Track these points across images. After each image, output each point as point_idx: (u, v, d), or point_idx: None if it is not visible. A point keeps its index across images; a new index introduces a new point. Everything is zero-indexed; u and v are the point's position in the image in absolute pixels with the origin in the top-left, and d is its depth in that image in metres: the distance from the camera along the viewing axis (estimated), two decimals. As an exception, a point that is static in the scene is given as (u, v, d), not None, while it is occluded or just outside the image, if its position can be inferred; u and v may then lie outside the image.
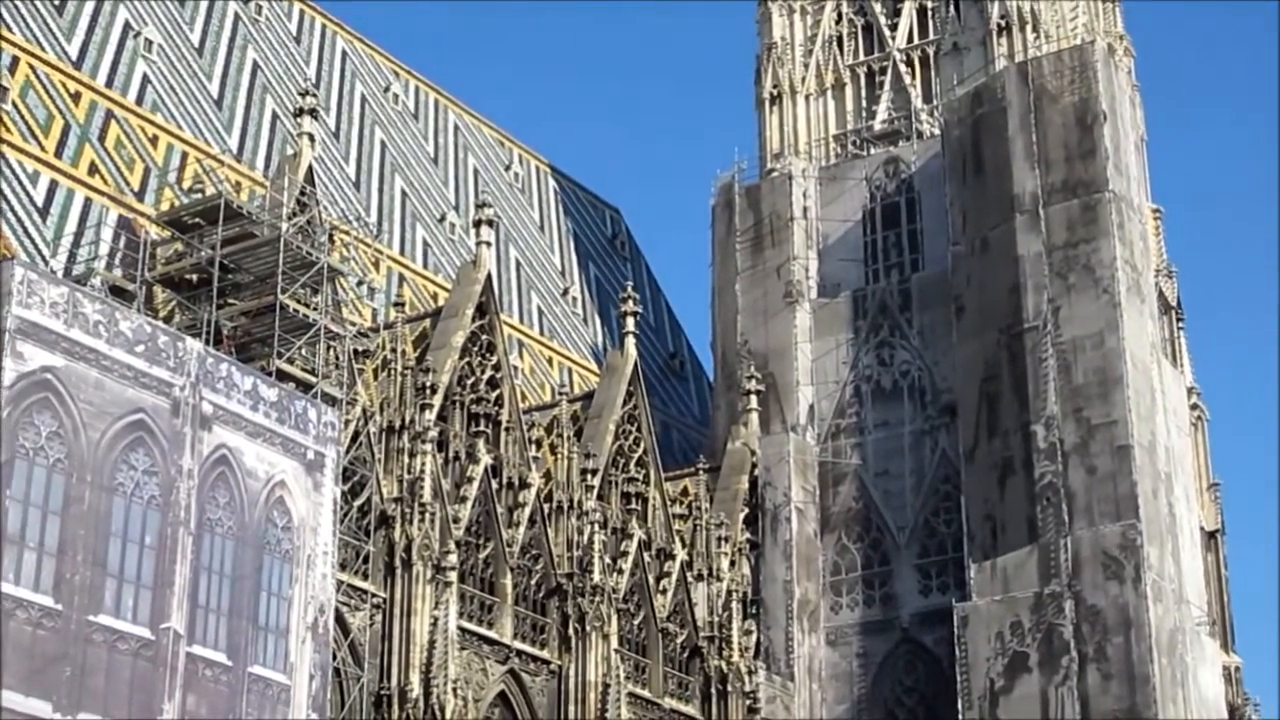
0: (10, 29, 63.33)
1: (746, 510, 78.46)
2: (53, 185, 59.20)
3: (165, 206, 61.10)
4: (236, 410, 51.19)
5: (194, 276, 55.94)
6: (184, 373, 49.72)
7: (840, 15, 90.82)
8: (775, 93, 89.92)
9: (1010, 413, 73.61)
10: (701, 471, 77.71)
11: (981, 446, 74.54)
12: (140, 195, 62.63)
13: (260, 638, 50.65)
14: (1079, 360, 72.48)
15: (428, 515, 59.51)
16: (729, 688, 72.28)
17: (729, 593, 74.05)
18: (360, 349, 60.36)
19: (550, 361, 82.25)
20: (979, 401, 75.02)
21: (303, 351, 56.14)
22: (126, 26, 69.98)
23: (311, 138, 62.92)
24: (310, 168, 61.48)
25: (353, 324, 60.79)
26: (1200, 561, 77.89)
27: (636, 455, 73.34)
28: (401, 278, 75.02)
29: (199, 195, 59.74)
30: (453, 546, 60.71)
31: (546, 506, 66.91)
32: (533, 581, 65.82)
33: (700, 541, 74.38)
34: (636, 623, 70.20)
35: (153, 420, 48.71)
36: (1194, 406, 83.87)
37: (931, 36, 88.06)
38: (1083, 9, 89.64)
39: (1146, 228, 78.42)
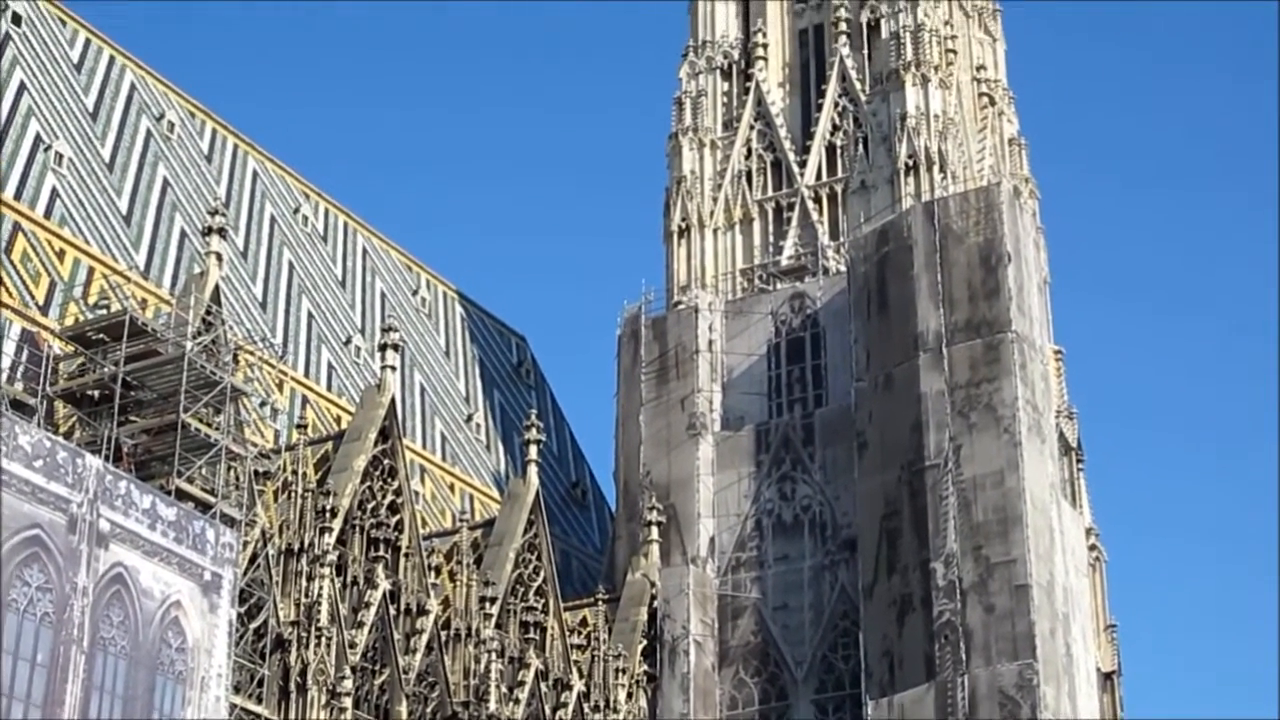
0: (-82, 141, 63.14)
1: (645, 642, 78.17)
2: (-44, 297, 58.80)
3: (70, 321, 60.72)
4: (134, 529, 50.75)
5: (96, 392, 55.57)
6: (82, 489, 49.30)
7: (750, 150, 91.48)
8: (684, 225, 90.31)
9: (910, 549, 73.76)
10: (601, 602, 77.46)
11: (881, 583, 74.62)
12: (45, 309, 62.24)
13: (151, 760, 50.04)
14: (979, 499, 72.77)
15: (324, 640, 59.03)
16: (623, 821, 71.86)
17: (625, 724, 73.79)
18: (261, 470, 60.05)
19: (452, 488, 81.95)
20: (879, 537, 75.17)
21: (203, 471, 55.79)
22: (37, 139, 69.77)
23: (219, 257, 62.88)
24: (217, 287, 61.34)
25: (254, 445, 60.50)
26: (1096, 702, 78.01)
27: (536, 584, 73.13)
28: (305, 399, 74.73)
29: (104, 311, 59.48)
30: (348, 672, 60.19)
31: (444, 634, 66.53)
32: (428, 709, 65.25)
33: (598, 672, 74.11)
34: (532, 753, 69.76)
35: (49, 536, 48.22)
36: (1092, 547, 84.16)
37: (840, 174, 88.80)
38: (989, 150, 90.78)
39: (1048, 368, 79.03)
